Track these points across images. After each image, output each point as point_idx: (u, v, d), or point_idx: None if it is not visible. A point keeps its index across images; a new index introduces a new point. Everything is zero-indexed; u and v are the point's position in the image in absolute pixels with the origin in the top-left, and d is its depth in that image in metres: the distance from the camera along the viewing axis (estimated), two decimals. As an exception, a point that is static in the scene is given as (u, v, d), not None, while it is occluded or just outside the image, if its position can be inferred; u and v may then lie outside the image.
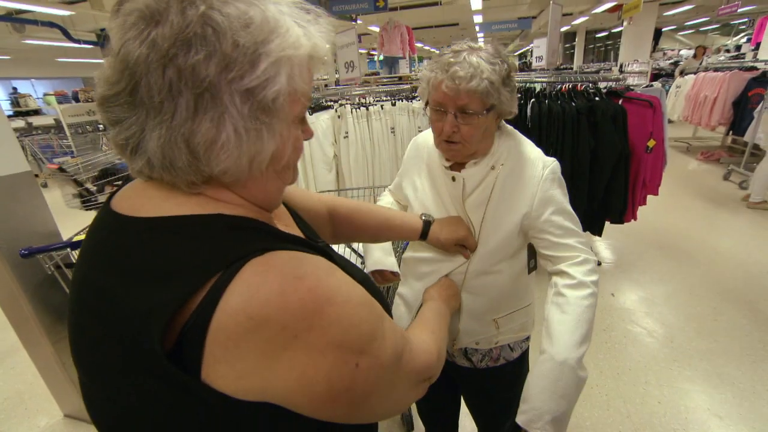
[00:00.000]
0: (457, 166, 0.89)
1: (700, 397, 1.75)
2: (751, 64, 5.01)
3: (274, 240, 0.43)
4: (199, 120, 0.37)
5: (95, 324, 0.40)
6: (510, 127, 0.92)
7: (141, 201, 0.42)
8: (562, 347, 0.76)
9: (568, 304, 0.80)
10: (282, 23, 0.39)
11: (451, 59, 0.76)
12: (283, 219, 0.59)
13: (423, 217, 0.92)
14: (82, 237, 1.48)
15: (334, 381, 0.39)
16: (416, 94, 2.72)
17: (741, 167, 4.35)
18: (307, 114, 2.67)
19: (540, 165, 0.86)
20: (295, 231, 0.58)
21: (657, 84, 3.45)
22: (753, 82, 4.58)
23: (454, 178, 0.88)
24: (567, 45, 18.75)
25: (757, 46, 6.37)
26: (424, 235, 0.91)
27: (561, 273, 0.85)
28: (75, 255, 1.48)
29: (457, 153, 0.84)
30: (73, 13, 5.89)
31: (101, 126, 7.34)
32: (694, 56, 7.56)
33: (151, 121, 0.37)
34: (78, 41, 6.80)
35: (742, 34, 14.03)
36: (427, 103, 0.85)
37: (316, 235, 0.63)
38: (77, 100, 7.64)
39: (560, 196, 0.86)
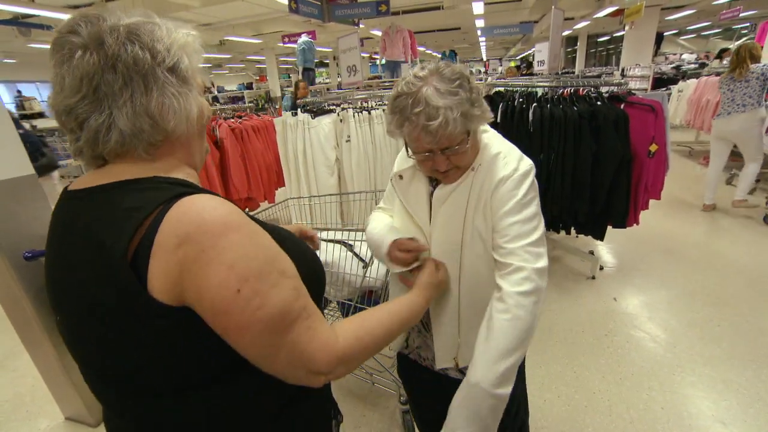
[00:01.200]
0: None
1: (703, 404, 1.73)
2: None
3: (201, 190, 0.54)
4: (150, 93, 0.53)
5: (68, 268, 0.54)
6: (483, 127, 0.89)
7: (95, 178, 0.55)
8: (477, 369, 0.76)
9: (491, 320, 0.78)
10: (170, 27, 0.57)
11: (416, 108, 0.73)
12: None
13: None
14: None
15: (217, 300, 0.49)
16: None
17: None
18: (310, 117, 2.70)
19: (513, 163, 0.83)
20: None
21: (675, 87, 3.50)
22: (755, 87, 4.56)
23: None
24: (569, 49, 18.80)
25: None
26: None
27: (496, 285, 0.81)
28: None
29: (455, 177, 0.86)
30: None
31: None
32: (719, 58, 7.52)
33: (117, 104, 0.52)
34: (82, 45, 6.84)
35: (744, 39, 14.03)
36: (406, 145, 0.86)
37: None
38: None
39: (522, 198, 0.81)
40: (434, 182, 0.93)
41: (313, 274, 0.66)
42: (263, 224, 0.59)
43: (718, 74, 5.32)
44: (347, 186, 2.58)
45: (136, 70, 0.52)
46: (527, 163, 0.85)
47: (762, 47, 5.88)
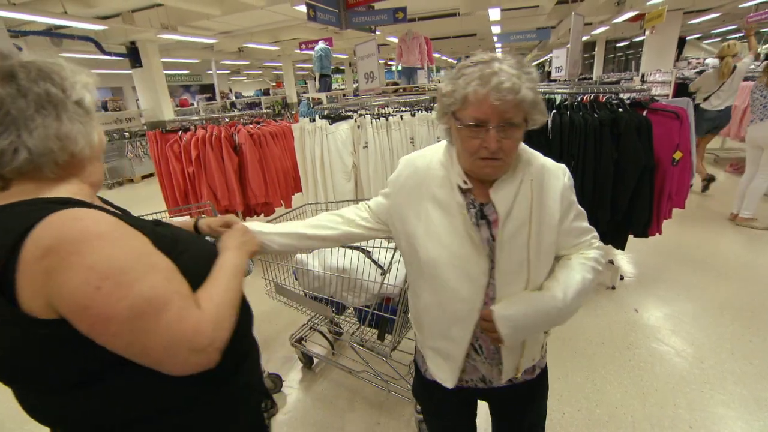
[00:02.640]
0: (479, 189, 0.85)
1: (735, 424, 1.66)
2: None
3: (81, 204, 0.61)
4: (61, 120, 0.62)
5: None
6: None
7: None
8: (561, 291, 0.83)
9: (581, 267, 0.88)
10: (73, 68, 0.67)
11: (488, 70, 0.72)
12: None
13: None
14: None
15: (78, 297, 0.54)
16: (436, 105, 2.73)
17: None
18: (327, 123, 2.72)
19: (561, 173, 0.89)
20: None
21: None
22: (784, 92, 4.40)
23: (481, 206, 0.85)
24: (586, 55, 18.52)
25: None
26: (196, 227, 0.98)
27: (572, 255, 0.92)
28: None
29: (497, 170, 0.81)
30: (106, 27, 6.18)
31: (126, 133, 7.63)
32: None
33: (28, 127, 0.59)
34: (109, 53, 7.11)
35: (772, 42, 13.58)
36: (453, 118, 0.79)
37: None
38: (106, 109, 7.94)
39: (576, 201, 0.90)
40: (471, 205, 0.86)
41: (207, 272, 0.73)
42: (163, 231, 0.70)
43: (746, 79, 5.16)
44: (364, 192, 2.59)
45: (49, 101, 0.61)
46: (563, 166, 0.91)
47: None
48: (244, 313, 0.85)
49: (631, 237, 2.50)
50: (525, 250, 0.83)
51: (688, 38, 13.62)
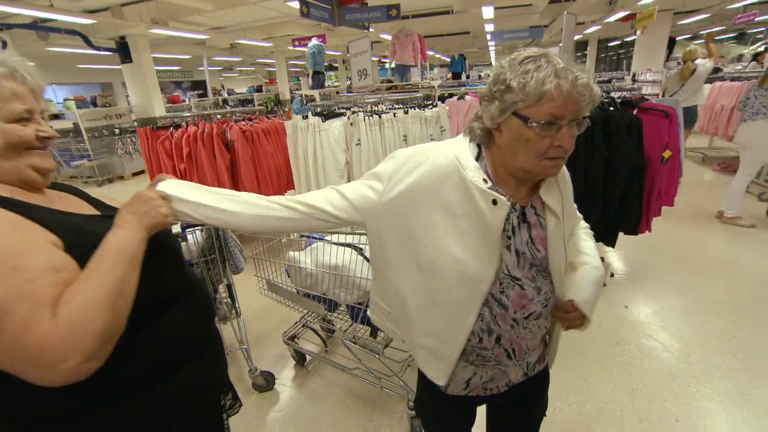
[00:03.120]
0: (516, 192, 0.82)
1: (720, 417, 1.69)
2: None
3: None
4: None
5: None
6: None
7: None
8: (596, 260, 0.93)
9: (586, 235, 1.01)
10: None
11: (559, 65, 0.69)
12: (63, 200, 0.78)
13: None
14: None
15: None
16: (429, 102, 2.74)
17: (760, 179, 4.26)
18: (320, 121, 2.71)
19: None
20: (75, 206, 0.78)
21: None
22: (771, 93, 4.48)
23: (525, 213, 0.83)
24: (578, 54, 18.66)
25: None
26: None
27: None
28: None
29: (560, 168, 0.80)
30: (94, 21, 6.08)
31: (117, 130, 7.53)
32: (756, 60, 7.51)
33: None
34: (98, 48, 6.99)
35: (760, 43, 13.82)
36: (515, 116, 0.72)
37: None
38: (95, 105, 7.82)
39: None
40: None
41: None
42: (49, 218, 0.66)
43: (734, 79, 5.25)
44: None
45: None
46: None
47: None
48: (189, 305, 0.79)
49: (621, 234, 2.53)
50: (562, 243, 0.85)
51: (678, 38, 13.77)
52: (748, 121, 3.38)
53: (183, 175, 3.35)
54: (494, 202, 0.76)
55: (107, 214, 0.77)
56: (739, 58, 7.83)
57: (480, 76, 13.33)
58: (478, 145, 0.83)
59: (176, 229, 1.68)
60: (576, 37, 12.79)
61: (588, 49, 15.54)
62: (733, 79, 5.22)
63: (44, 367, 0.53)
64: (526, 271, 0.83)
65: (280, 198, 0.86)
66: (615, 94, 2.56)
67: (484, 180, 0.77)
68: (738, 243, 3.30)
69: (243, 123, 3.56)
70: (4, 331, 0.52)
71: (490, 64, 21.76)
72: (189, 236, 1.76)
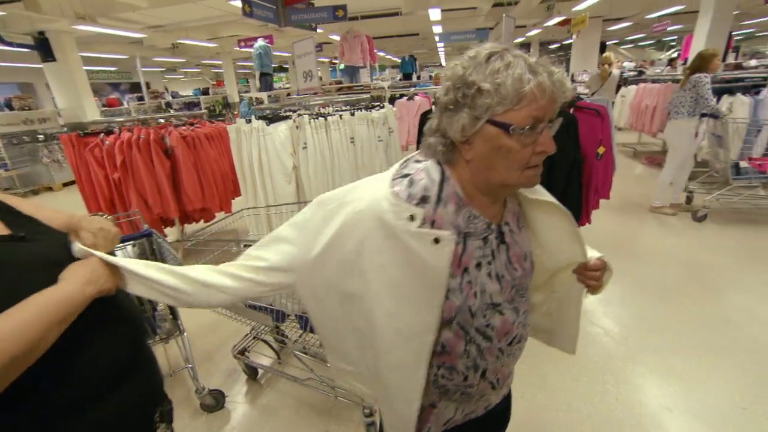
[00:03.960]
0: (488, 210, 0.72)
1: (651, 392, 1.83)
2: (682, 77, 5.45)
3: None
4: None
5: None
6: None
7: None
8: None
9: None
10: None
11: (530, 60, 0.62)
12: None
13: None
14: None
15: None
16: (376, 104, 2.73)
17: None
18: (264, 124, 2.62)
19: None
20: None
21: (618, 93, 3.68)
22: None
23: (502, 233, 0.74)
24: (523, 56, 19.66)
25: (686, 61, 6.96)
26: None
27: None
28: None
29: (539, 176, 0.69)
30: (4, 13, 5.46)
31: (41, 136, 6.83)
32: (671, 65, 8.47)
33: None
34: (10, 44, 6.29)
35: (673, 50, 15.38)
36: (498, 125, 0.61)
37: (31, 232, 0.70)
38: (11, 108, 7.04)
39: None
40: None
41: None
42: None
43: (654, 81, 5.75)
44: (306, 194, 2.52)
45: None
46: None
47: (687, 59, 6.52)
48: (112, 331, 0.74)
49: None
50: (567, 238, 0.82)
51: (608, 43, 14.96)
52: (672, 120, 3.70)
53: (118, 185, 3.10)
54: (436, 240, 0.64)
55: (16, 235, 0.68)
56: (672, 63, 8.76)
57: (431, 77, 13.62)
58: (440, 164, 0.70)
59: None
60: (519, 39, 13.47)
61: (531, 50, 16.40)
62: (653, 81, 5.72)
63: None
64: (507, 294, 0.76)
65: (214, 276, 0.76)
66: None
67: (411, 218, 0.64)
68: (662, 231, 3.61)
69: (184, 128, 3.36)
70: None
71: (440, 64, 22.31)
72: (118, 252, 1.62)
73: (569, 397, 1.83)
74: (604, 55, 5.65)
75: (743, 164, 3.54)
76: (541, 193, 0.77)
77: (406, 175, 0.69)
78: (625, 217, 3.89)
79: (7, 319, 0.55)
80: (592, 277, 0.83)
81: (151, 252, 1.67)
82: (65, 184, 6.90)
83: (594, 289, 0.86)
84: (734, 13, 6.30)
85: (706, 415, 1.69)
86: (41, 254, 0.68)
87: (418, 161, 0.72)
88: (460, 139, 0.65)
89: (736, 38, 12.98)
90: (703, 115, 3.59)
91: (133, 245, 1.62)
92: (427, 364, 0.72)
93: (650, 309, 2.44)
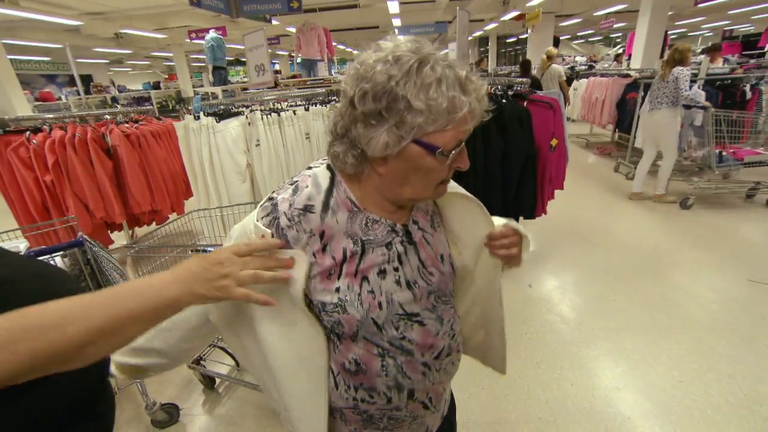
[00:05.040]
0: (400, 212, 0.70)
1: (603, 374, 1.92)
2: (626, 72, 5.77)
3: None
4: None
5: None
6: None
7: None
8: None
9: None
10: None
11: (459, 71, 0.56)
12: None
13: None
14: None
15: None
16: (333, 98, 2.65)
17: (626, 160, 4.98)
18: (215, 121, 2.47)
19: None
20: None
21: (570, 86, 3.79)
22: (628, 88, 5.28)
23: (410, 233, 0.70)
24: (482, 49, 20.10)
25: (630, 56, 7.38)
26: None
27: None
28: None
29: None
30: None
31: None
32: (617, 60, 8.93)
33: None
34: None
35: (619, 46, 16.31)
36: (423, 145, 0.57)
37: None
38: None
39: None
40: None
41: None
42: None
43: (603, 75, 6.04)
44: (261, 193, 2.41)
45: None
46: None
47: (631, 54, 6.89)
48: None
49: (522, 220, 2.74)
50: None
51: (561, 38, 15.59)
52: (654, 110, 3.80)
53: (51, 188, 2.83)
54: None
55: None
56: (618, 58, 9.29)
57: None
58: (330, 169, 0.67)
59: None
60: (477, 33, 13.73)
61: (489, 44, 16.78)
62: (602, 75, 6.01)
63: None
64: (424, 302, 0.71)
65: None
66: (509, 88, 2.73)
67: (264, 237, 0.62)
68: (613, 217, 3.81)
69: (126, 125, 3.12)
70: None
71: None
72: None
73: (530, 384, 1.88)
74: (548, 49, 5.86)
75: (725, 153, 3.71)
76: (452, 187, 0.73)
77: (294, 182, 0.66)
78: (578, 206, 4.07)
79: (104, 306, 0.50)
80: (500, 245, 0.73)
81: (86, 263, 1.52)
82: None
83: (509, 260, 0.76)
84: (669, 13, 6.75)
85: (650, 391, 1.80)
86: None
87: (310, 167, 0.69)
88: (377, 156, 0.59)
89: (671, 37, 13.97)
90: (689, 107, 3.73)
91: (63, 255, 1.47)
92: (326, 389, 0.69)
93: (601, 293, 2.57)
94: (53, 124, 2.94)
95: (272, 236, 0.62)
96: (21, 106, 6.47)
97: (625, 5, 8.35)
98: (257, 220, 0.63)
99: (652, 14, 6.18)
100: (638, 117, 4.70)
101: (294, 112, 2.37)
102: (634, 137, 4.79)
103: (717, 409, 1.69)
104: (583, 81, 6.44)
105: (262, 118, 2.29)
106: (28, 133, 2.77)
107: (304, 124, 2.40)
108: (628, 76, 5.53)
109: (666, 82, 3.66)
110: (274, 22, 6.59)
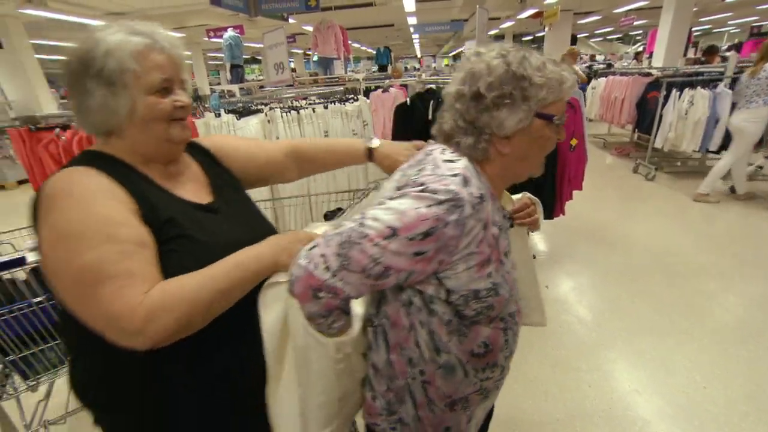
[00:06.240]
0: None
1: (622, 376, 1.90)
2: (647, 71, 5.64)
3: (106, 165, 0.68)
4: (82, 96, 0.67)
5: None
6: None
7: None
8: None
9: None
10: (103, 37, 0.66)
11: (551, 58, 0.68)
12: (180, 177, 0.79)
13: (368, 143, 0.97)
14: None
15: (42, 248, 0.61)
16: (350, 96, 2.67)
17: (646, 161, 4.88)
18: (235, 119, 2.51)
19: None
20: (188, 188, 0.78)
21: (589, 85, 3.71)
22: (650, 87, 5.16)
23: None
24: (497, 48, 19.86)
25: (651, 54, 7.21)
26: (370, 156, 0.96)
27: None
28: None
29: None
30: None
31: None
32: (636, 59, 8.59)
33: (81, 106, 0.68)
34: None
35: (639, 44, 15.93)
36: (544, 117, 0.66)
37: (220, 198, 0.82)
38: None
39: None
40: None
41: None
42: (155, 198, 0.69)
43: (623, 74, 5.92)
44: (279, 191, 2.44)
45: (75, 79, 0.68)
46: None
47: (652, 53, 6.68)
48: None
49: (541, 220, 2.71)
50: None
51: (579, 36, 15.32)
52: (742, 108, 3.64)
53: (77, 183, 2.92)
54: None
55: (211, 206, 0.78)
56: (638, 56, 9.03)
57: (405, 68, 13.54)
58: (471, 162, 0.70)
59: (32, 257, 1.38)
60: (493, 32, 13.58)
61: (505, 42, 16.59)
62: (622, 74, 5.89)
63: (123, 332, 0.59)
64: None
65: None
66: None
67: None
68: (631, 219, 3.74)
69: (148, 121, 3.19)
70: (97, 292, 0.58)
71: (416, 56, 22.23)
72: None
73: (547, 386, 1.87)
74: (569, 48, 5.56)
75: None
76: None
77: (456, 173, 0.64)
78: (596, 207, 4.01)
79: (220, 274, 0.65)
80: (526, 215, 0.88)
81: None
82: (20, 182, 6.47)
83: (533, 226, 0.91)
84: (693, 9, 6.56)
85: (671, 395, 1.77)
86: (222, 232, 0.75)
87: (451, 161, 0.67)
88: (507, 134, 0.67)
89: (695, 34, 13.57)
90: None
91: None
92: None
93: (618, 295, 2.53)
94: (80, 121, 3.03)
95: (442, 222, 0.60)
96: (47, 104, 6.70)
97: (647, 1, 8.15)
98: (430, 206, 0.59)
99: (676, 11, 6.02)
100: (660, 117, 4.60)
101: (313, 109, 2.39)
102: (655, 137, 4.70)
103: (744, 416, 1.65)
104: (602, 80, 6.32)
105: (281, 116, 2.32)
106: (57, 129, 2.86)
107: (323, 121, 2.42)
108: (649, 74, 5.41)
109: (757, 79, 3.48)
110: (290, 20, 6.64)
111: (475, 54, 0.69)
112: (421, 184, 0.62)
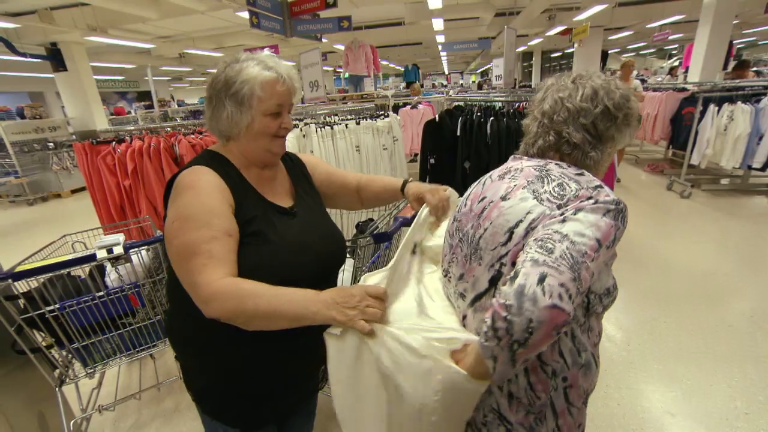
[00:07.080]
0: None
1: (654, 397, 1.85)
2: (683, 86, 5.50)
3: (219, 166, 0.90)
4: (217, 108, 0.90)
5: None
6: None
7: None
8: None
9: None
10: (245, 67, 0.87)
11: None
12: (272, 182, 0.99)
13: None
14: (24, 267, 1.39)
15: (167, 223, 0.82)
16: (381, 113, 2.79)
17: (681, 178, 4.72)
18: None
19: None
20: (274, 192, 0.98)
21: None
22: (685, 102, 5.03)
23: None
24: (525, 63, 19.81)
25: (687, 69, 7.01)
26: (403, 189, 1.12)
27: None
28: (17, 287, 1.38)
29: None
30: (18, 25, 5.62)
31: (51, 144, 6.95)
32: (671, 74, 8.21)
33: (214, 114, 0.91)
34: (24, 55, 6.45)
35: (674, 59, 15.45)
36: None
37: (299, 204, 1.01)
38: (23, 117, 7.18)
39: None
40: None
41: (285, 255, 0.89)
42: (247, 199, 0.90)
43: (656, 90, 5.81)
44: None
45: (213, 93, 0.90)
46: None
47: (688, 67, 6.46)
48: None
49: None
50: None
51: (610, 51, 15.05)
52: None
53: (128, 192, 3.17)
54: None
55: (290, 210, 0.97)
56: (673, 71, 8.73)
57: (433, 85, 13.72)
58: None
59: (118, 249, 1.59)
60: (522, 48, 13.59)
61: (533, 59, 16.54)
62: (655, 90, 5.78)
63: (196, 296, 0.76)
64: None
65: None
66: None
67: None
68: (665, 238, 3.63)
69: (192, 136, 3.43)
70: (189, 264, 0.77)
71: (443, 73, 22.44)
72: (134, 257, 1.67)
73: (572, 401, 1.85)
74: (625, 60, 5.03)
75: None
76: None
77: (599, 185, 0.73)
78: (630, 226, 3.89)
79: (273, 296, 0.75)
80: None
81: (165, 255, 1.72)
82: (74, 191, 7.00)
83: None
84: (734, 22, 6.36)
85: (709, 420, 1.71)
86: (293, 234, 0.92)
87: (581, 173, 0.75)
88: (595, 150, 0.79)
89: (737, 47, 13.04)
90: None
91: (147, 249, 1.67)
92: None
93: (652, 316, 2.46)
94: (134, 135, 3.30)
95: (617, 228, 0.67)
96: (100, 120, 7.28)
97: (683, 15, 7.98)
98: (604, 215, 0.65)
99: (714, 24, 5.86)
100: (696, 132, 4.48)
101: (346, 125, 2.52)
102: (691, 153, 4.56)
103: (783, 442, 1.58)
104: (634, 95, 6.21)
105: (316, 131, 2.47)
106: (114, 143, 3.14)
107: (355, 137, 2.55)
108: (684, 89, 5.28)
109: None
110: (323, 39, 6.95)
111: (590, 81, 0.81)
112: (589, 198, 0.67)
